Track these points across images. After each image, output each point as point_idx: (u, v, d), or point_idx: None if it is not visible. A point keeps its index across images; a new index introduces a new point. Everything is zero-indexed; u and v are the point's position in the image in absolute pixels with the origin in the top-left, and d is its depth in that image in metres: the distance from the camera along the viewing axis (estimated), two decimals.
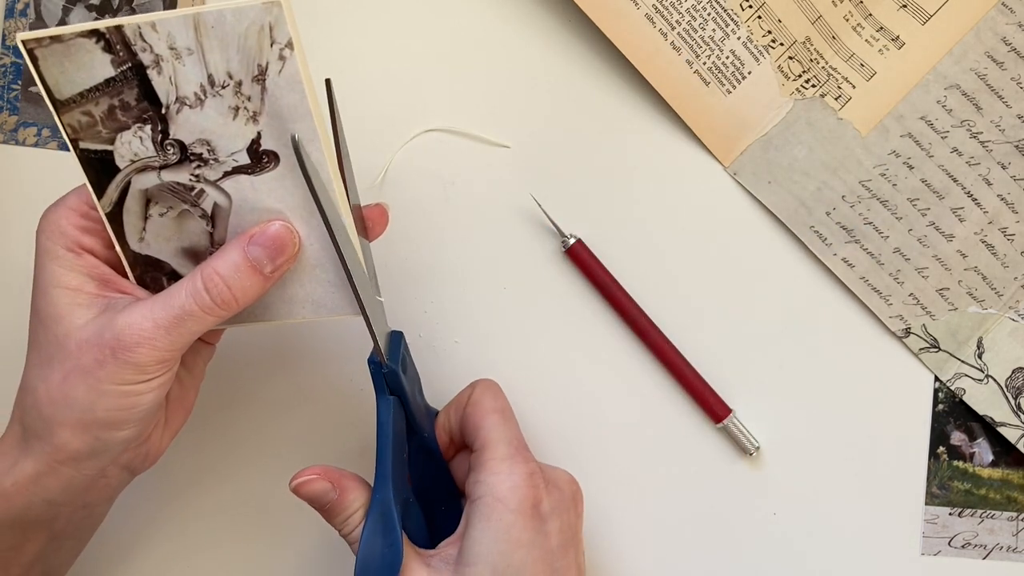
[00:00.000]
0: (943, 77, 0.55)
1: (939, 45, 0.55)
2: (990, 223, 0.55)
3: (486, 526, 0.44)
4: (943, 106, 0.55)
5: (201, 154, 0.42)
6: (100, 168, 0.43)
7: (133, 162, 0.43)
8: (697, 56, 0.55)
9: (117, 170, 0.43)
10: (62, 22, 0.53)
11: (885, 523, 0.56)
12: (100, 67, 0.40)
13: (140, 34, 0.40)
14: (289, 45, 0.40)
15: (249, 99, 0.41)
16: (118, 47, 0.40)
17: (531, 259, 0.57)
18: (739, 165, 0.56)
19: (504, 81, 0.56)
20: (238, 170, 0.43)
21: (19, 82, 0.54)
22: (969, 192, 0.55)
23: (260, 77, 0.41)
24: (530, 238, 0.57)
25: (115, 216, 0.44)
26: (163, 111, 0.41)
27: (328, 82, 0.46)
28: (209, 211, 0.44)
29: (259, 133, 0.42)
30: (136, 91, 0.41)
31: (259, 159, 0.42)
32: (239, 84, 0.41)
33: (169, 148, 0.42)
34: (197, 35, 0.40)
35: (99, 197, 0.43)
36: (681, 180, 0.57)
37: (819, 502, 0.56)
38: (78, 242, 0.43)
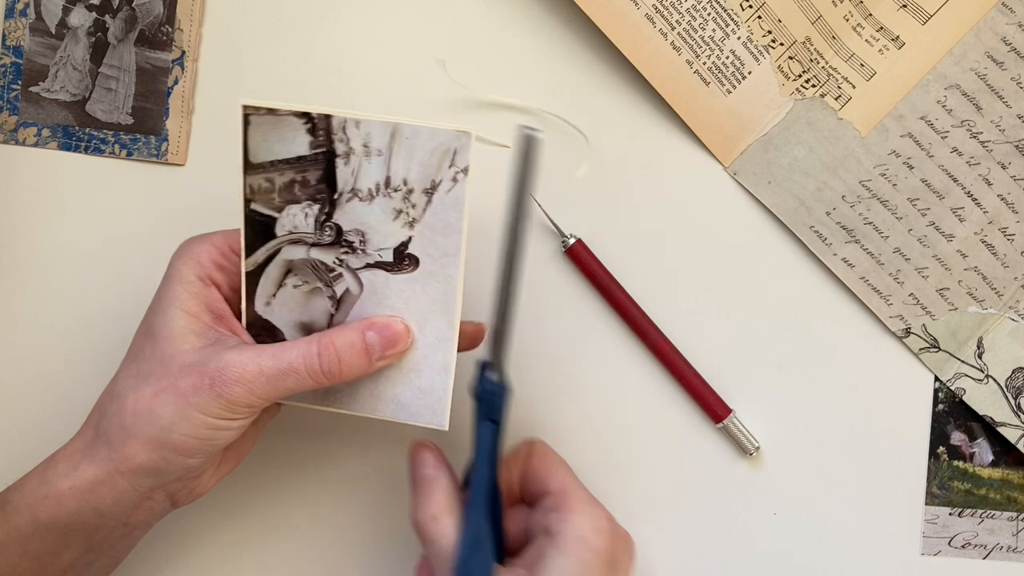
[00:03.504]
0: (943, 77, 0.55)
1: (939, 45, 0.55)
2: (990, 223, 0.55)
3: (566, 562, 0.45)
4: (943, 106, 0.55)
5: (353, 242, 0.46)
6: (259, 230, 0.46)
7: (291, 233, 0.46)
8: (697, 56, 0.55)
9: (273, 236, 0.46)
10: (62, 22, 0.54)
11: (885, 523, 0.56)
12: (299, 145, 0.44)
13: (344, 127, 0.44)
14: (465, 171, 0.44)
15: (414, 207, 0.45)
16: (321, 133, 0.44)
17: (531, 259, 0.57)
18: (739, 165, 0.56)
19: (504, 81, 0.57)
20: (380, 265, 0.46)
21: (19, 82, 0.54)
22: (969, 192, 0.55)
23: (430, 191, 0.44)
24: (530, 238, 0.57)
25: (253, 277, 0.47)
26: (335, 196, 0.45)
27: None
28: (339, 294, 0.47)
29: (410, 238, 0.45)
30: (320, 173, 0.45)
31: (401, 260, 0.46)
32: (410, 192, 0.45)
33: (327, 229, 0.46)
34: (392, 141, 0.44)
35: (247, 256, 0.46)
36: (681, 180, 0.57)
37: (819, 502, 0.56)
38: (210, 274, 0.46)
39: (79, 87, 0.55)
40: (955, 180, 0.55)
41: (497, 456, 0.49)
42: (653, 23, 0.55)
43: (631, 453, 0.56)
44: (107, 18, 0.55)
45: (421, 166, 0.44)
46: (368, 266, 0.46)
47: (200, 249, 0.46)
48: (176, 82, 0.55)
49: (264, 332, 0.47)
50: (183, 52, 0.55)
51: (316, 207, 0.45)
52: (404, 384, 0.47)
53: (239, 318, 0.47)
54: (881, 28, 0.56)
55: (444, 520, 0.46)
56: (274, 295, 0.47)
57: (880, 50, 0.56)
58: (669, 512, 0.56)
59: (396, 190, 0.44)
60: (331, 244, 0.46)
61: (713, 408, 0.56)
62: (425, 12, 0.56)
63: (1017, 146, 0.55)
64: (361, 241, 0.46)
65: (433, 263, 0.45)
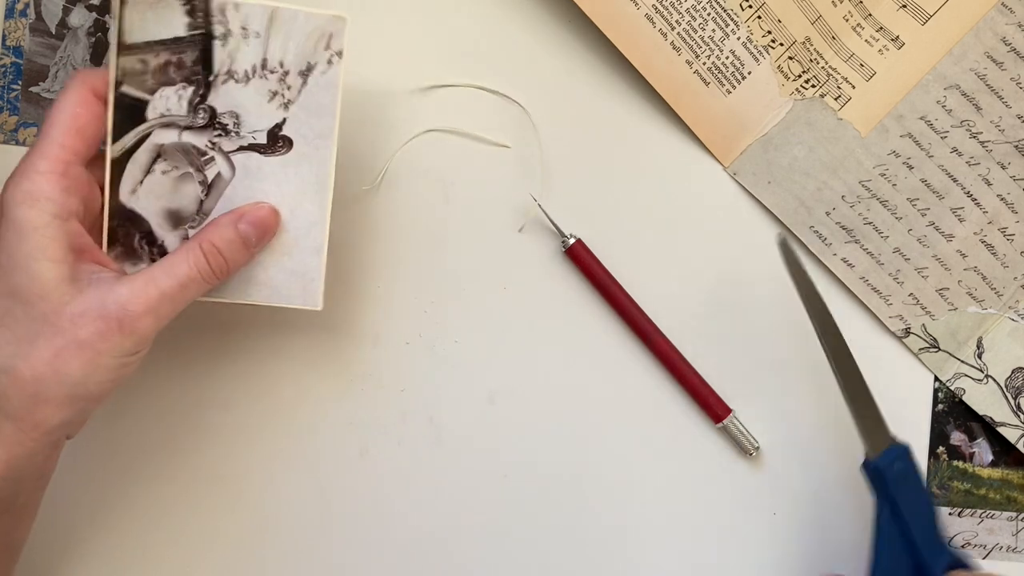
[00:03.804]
0: (943, 77, 0.55)
1: (939, 45, 0.55)
2: (990, 223, 0.55)
3: None
4: (943, 106, 0.55)
5: (227, 124, 0.46)
6: (129, 114, 0.45)
7: (163, 116, 0.45)
8: (697, 56, 0.55)
9: (143, 120, 0.45)
10: (62, 22, 0.54)
11: None
12: (176, 26, 0.44)
13: (223, 9, 0.44)
14: (339, 54, 0.45)
15: (289, 88, 0.45)
16: (200, 14, 0.44)
17: (531, 259, 0.57)
18: (739, 165, 0.56)
19: (504, 80, 0.57)
20: (253, 147, 0.46)
21: (19, 82, 0.54)
22: (969, 192, 0.55)
23: (306, 73, 0.45)
24: (530, 238, 0.57)
25: (119, 163, 0.45)
26: (211, 78, 0.45)
27: None
28: (210, 179, 0.46)
29: (285, 119, 0.46)
30: (196, 55, 0.45)
31: (275, 142, 0.46)
32: (286, 74, 0.45)
33: (201, 112, 0.45)
34: (269, 24, 0.44)
35: (113, 141, 0.45)
36: (681, 180, 0.57)
37: (819, 502, 0.56)
38: (63, 205, 0.42)
39: None
40: (955, 180, 0.55)
41: (887, 535, 0.50)
42: (653, 23, 0.55)
43: (631, 453, 0.56)
44: (107, 18, 0.54)
45: (297, 49, 0.45)
46: (241, 148, 0.46)
47: (34, 184, 0.42)
48: None
49: (127, 222, 0.46)
50: None
51: (191, 89, 0.45)
52: (277, 267, 0.48)
53: (96, 232, 0.46)
54: (881, 28, 0.56)
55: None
56: (141, 182, 0.46)
57: (880, 50, 0.56)
58: (669, 512, 0.56)
59: (272, 72, 0.45)
60: (204, 127, 0.46)
61: (713, 408, 0.56)
62: (425, 12, 0.56)
63: (1016, 146, 0.55)
64: (235, 123, 0.46)
65: (306, 145, 0.46)
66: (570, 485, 0.56)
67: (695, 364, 0.56)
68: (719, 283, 0.57)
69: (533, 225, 0.57)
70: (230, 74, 0.45)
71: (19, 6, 0.54)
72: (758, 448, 0.56)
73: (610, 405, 0.56)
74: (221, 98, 0.45)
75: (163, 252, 0.46)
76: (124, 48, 0.44)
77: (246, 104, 0.45)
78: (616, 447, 0.56)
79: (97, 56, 0.55)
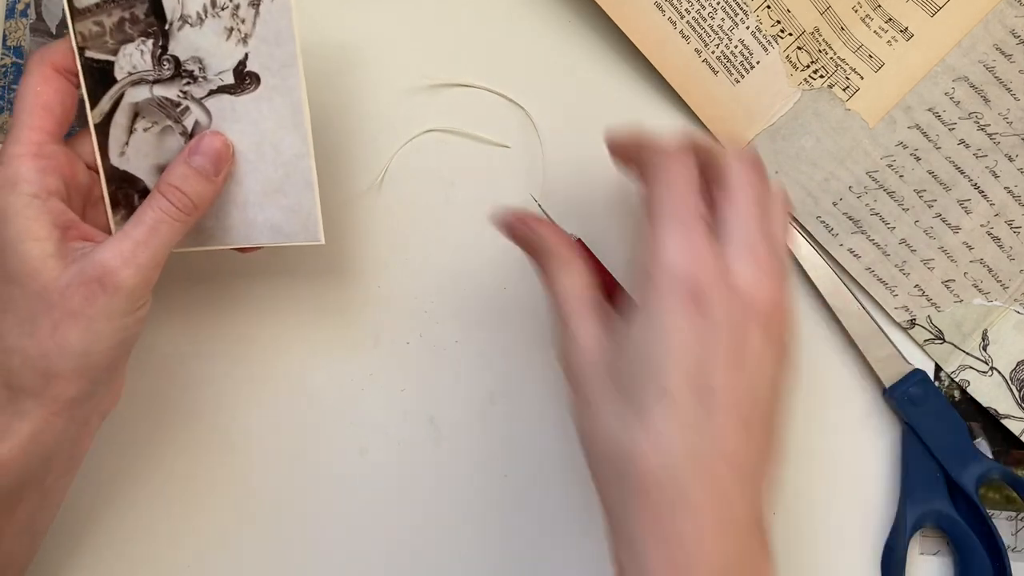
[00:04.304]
0: (951, 69, 0.55)
1: (948, 37, 0.55)
2: (997, 215, 0.55)
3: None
4: (951, 98, 0.55)
5: (192, 71, 0.46)
6: (99, 78, 0.46)
7: (130, 74, 0.46)
8: (706, 45, 0.55)
9: (114, 81, 0.46)
10: (63, 23, 0.53)
11: (885, 523, 0.56)
12: None
13: None
14: None
15: (243, 22, 0.45)
16: None
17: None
18: None
19: (505, 80, 0.56)
20: (223, 89, 0.46)
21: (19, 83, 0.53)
22: (976, 184, 0.55)
23: (255, 2, 0.45)
24: None
25: (102, 128, 0.46)
26: (166, 27, 0.45)
27: None
28: (190, 128, 0.47)
29: (247, 55, 0.45)
30: (146, 6, 0.45)
31: (243, 80, 0.46)
32: (236, 7, 0.45)
33: (165, 63, 0.46)
34: None
35: (92, 107, 0.46)
36: None
37: (818, 502, 0.57)
38: (43, 186, 0.43)
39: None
40: (962, 172, 0.55)
41: (922, 453, 0.55)
42: (662, 11, 0.54)
43: None
44: None
45: None
46: (212, 93, 0.46)
47: (10, 169, 0.43)
48: None
49: (124, 184, 0.47)
50: None
51: (150, 42, 0.45)
52: (273, 207, 0.47)
53: (85, 205, 0.47)
54: (890, 19, 0.55)
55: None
56: (126, 143, 0.47)
57: (888, 41, 0.55)
58: None
59: (223, 8, 0.45)
60: (172, 78, 0.46)
61: None
62: (426, 8, 0.56)
63: None
64: (200, 68, 0.46)
65: (273, 76, 0.46)
66: (570, 485, 0.56)
67: None
68: None
69: None
70: (183, 19, 0.45)
71: (19, 6, 0.53)
72: None
73: None
74: (181, 45, 0.45)
75: None
76: (77, 13, 0.45)
77: (206, 46, 0.45)
78: None
79: None
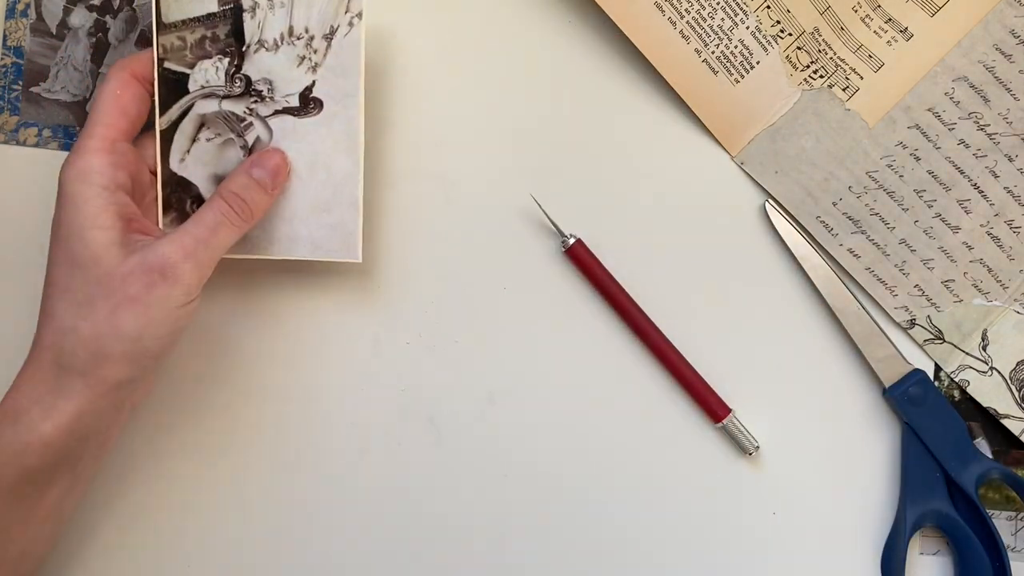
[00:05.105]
0: (951, 69, 0.55)
1: (947, 37, 0.55)
2: (996, 215, 0.55)
3: None
4: (951, 98, 0.55)
5: (261, 91, 0.49)
6: (172, 88, 0.49)
7: (203, 88, 0.49)
8: (706, 45, 0.55)
9: (186, 92, 0.49)
10: (63, 23, 0.54)
11: (885, 523, 0.56)
12: (208, 2, 0.48)
13: None
14: (359, 15, 0.49)
15: (315, 52, 0.49)
16: None
17: (531, 259, 0.56)
18: (746, 155, 0.56)
19: (505, 79, 0.56)
20: (287, 110, 0.50)
21: (20, 82, 0.54)
22: (976, 184, 0.55)
23: (329, 36, 0.49)
24: (530, 238, 0.56)
25: (167, 135, 0.50)
26: (244, 48, 0.49)
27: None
28: (250, 143, 0.50)
29: (314, 82, 0.49)
30: (228, 28, 0.48)
31: (307, 104, 0.50)
32: (311, 38, 0.49)
33: (237, 81, 0.49)
34: None
35: (161, 115, 0.49)
36: (687, 171, 0.57)
37: (819, 502, 0.57)
38: (111, 178, 0.46)
39: (80, 88, 0.54)
40: (962, 172, 0.55)
41: (922, 453, 0.55)
42: (662, 11, 0.54)
43: (631, 453, 0.57)
44: (108, 19, 0.54)
45: (320, 14, 0.48)
46: (276, 112, 0.50)
47: (84, 161, 0.46)
48: None
49: (179, 189, 0.50)
50: None
51: (226, 60, 0.49)
52: (316, 223, 0.51)
53: (144, 203, 0.49)
54: (889, 19, 0.55)
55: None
56: (188, 151, 0.50)
57: (888, 41, 0.55)
58: (669, 512, 0.57)
59: (299, 38, 0.49)
60: (241, 95, 0.49)
61: (713, 408, 0.56)
62: (427, 8, 0.56)
63: None
64: (269, 89, 0.49)
65: (336, 104, 0.49)
66: (570, 485, 0.56)
67: (695, 364, 0.56)
68: (721, 278, 0.57)
69: (533, 225, 0.56)
70: (260, 43, 0.49)
71: (20, 6, 0.53)
72: (758, 448, 0.56)
73: (610, 405, 0.56)
74: (254, 66, 0.49)
75: None
76: (163, 27, 0.48)
77: (277, 70, 0.49)
78: (616, 447, 0.56)
79: (98, 56, 0.54)
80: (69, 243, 0.46)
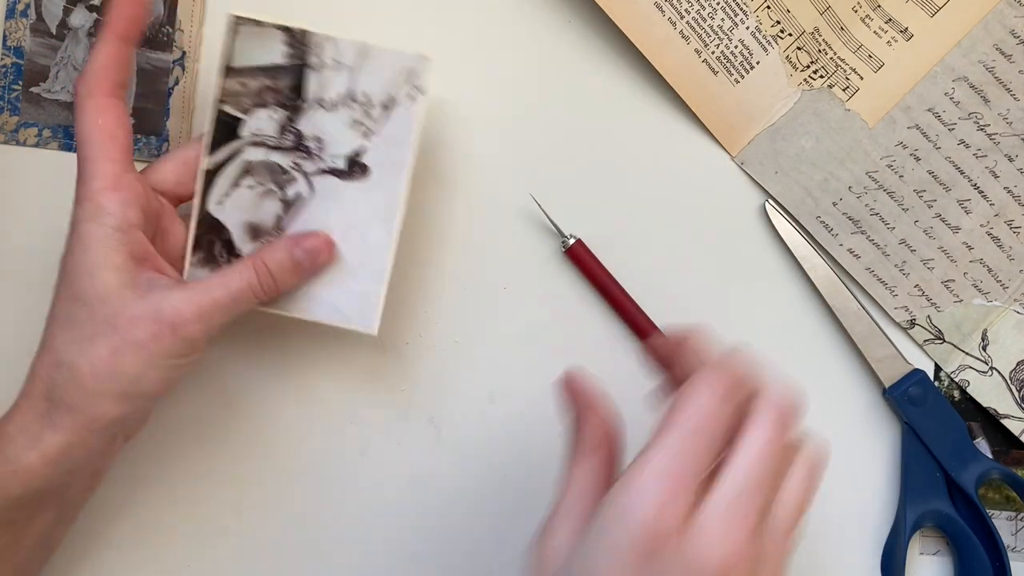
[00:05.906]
0: (951, 69, 0.55)
1: (947, 37, 0.55)
2: (996, 215, 0.55)
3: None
4: (951, 98, 0.55)
5: (310, 147, 0.49)
6: (225, 130, 0.49)
7: (254, 135, 0.49)
8: (706, 45, 0.55)
9: (237, 137, 0.49)
10: (62, 23, 0.53)
11: (885, 522, 0.57)
12: (275, 55, 0.48)
13: (320, 43, 0.48)
14: (421, 90, 0.48)
15: (372, 119, 0.49)
16: (298, 46, 0.48)
17: (531, 259, 0.56)
18: (746, 155, 0.56)
19: (505, 79, 0.56)
20: (332, 171, 0.49)
21: (20, 83, 0.53)
22: (976, 184, 0.55)
23: (388, 106, 0.48)
24: (530, 238, 0.56)
25: (210, 176, 0.49)
26: (301, 104, 0.48)
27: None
28: (291, 198, 0.49)
29: (364, 147, 0.49)
30: (291, 82, 0.48)
31: (353, 168, 0.49)
32: (371, 105, 0.48)
33: (289, 134, 0.49)
34: (359, 59, 0.48)
35: (209, 154, 0.49)
36: (687, 171, 0.57)
37: (818, 502, 0.56)
38: (125, 218, 0.45)
39: None
40: (962, 172, 0.55)
41: (921, 452, 0.55)
42: (662, 11, 0.54)
43: (631, 453, 0.56)
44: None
45: (383, 83, 0.48)
46: (321, 171, 0.49)
47: (94, 203, 0.45)
48: (176, 82, 0.54)
49: (211, 230, 0.49)
50: (183, 53, 0.54)
51: (282, 112, 0.48)
52: (340, 288, 0.50)
53: (156, 235, 0.48)
54: (890, 20, 0.55)
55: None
56: (228, 195, 0.49)
57: (888, 41, 0.55)
58: None
59: (358, 102, 0.48)
60: (290, 148, 0.49)
61: None
62: (427, 8, 0.55)
63: None
64: (318, 147, 0.49)
65: (383, 173, 0.49)
66: None
67: None
68: (720, 280, 0.57)
69: (533, 225, 0.56)
70: (319, 101, 0.48)
71: (20, 6, 0.53)
72: None
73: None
74: (308, 123, 0.49)
75: None
76: (230, 71, 0.48)
77: (330, 130, 0.49)
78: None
79: None
80: (78, 280, 0.45)
